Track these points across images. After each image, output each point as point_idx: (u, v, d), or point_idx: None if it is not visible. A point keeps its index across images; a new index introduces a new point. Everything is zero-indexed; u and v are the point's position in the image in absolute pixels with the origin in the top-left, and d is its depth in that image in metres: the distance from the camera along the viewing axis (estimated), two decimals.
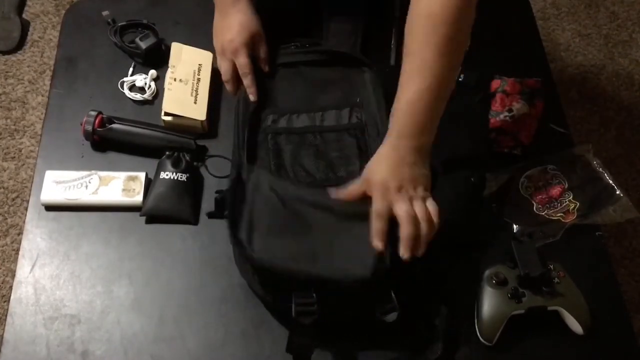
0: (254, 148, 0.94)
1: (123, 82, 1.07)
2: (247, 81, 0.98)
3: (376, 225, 0.80)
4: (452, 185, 0.95)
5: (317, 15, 1.11)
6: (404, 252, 0.78)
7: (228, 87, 1.00)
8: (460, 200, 0.97)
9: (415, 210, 0.79)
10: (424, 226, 0.79)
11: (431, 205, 0.81)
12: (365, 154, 0.94)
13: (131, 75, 1.08)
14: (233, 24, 0.98)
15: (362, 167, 0.88)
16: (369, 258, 0.80)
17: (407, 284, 0.82)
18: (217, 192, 0.89)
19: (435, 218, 0.80)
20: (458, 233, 0.90)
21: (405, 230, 0.78)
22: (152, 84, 1.07)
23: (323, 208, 0.84)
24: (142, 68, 1.09)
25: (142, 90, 1.06)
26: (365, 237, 0.81)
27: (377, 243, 0.79)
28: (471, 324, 0.85)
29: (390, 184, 0.80)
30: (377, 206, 0.80)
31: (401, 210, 0.79)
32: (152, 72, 1.07)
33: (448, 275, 0.89)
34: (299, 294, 0.79)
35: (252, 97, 0.97)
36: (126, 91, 1.06)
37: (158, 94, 1.06)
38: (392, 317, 0.79)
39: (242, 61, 0.97)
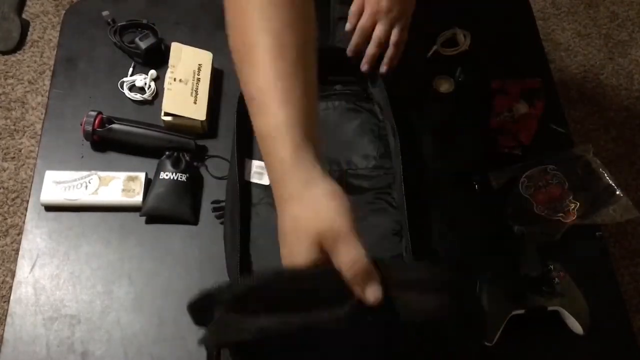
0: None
1: (123, 82, 1.07)
2: None
3: (355, 40, 0.97)
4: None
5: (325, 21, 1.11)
6: (364, 64, 0.97)
7: None
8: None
9: (392, 34, 0.95)
10: (391, 49, 0.96)
11: (405, 34, 0.97)
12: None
13: (131, 75, 1.08)
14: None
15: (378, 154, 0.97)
16: None
17: None
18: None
19: (402, 45, 0.97)
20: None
21: (369, 50, 0.96)
22: (152, 84, 1.06)
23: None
24: (142, 68, 1.09)
25: (142, 90, 1.06)
26: None
27: (350, 52, 0.97)
28: None
29: (383, 3, 0.93)
30: (363, 21, 0.95)
31: (378, 30, 0.95)
32: (152, 72, 1.07)
33: None
34: None
35: None
36: (126, 91, 1.06)
37: (158, 94, 1.06)
38: None
39: None
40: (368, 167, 0.98)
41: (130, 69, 1.09)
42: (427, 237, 0.93)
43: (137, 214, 0.94)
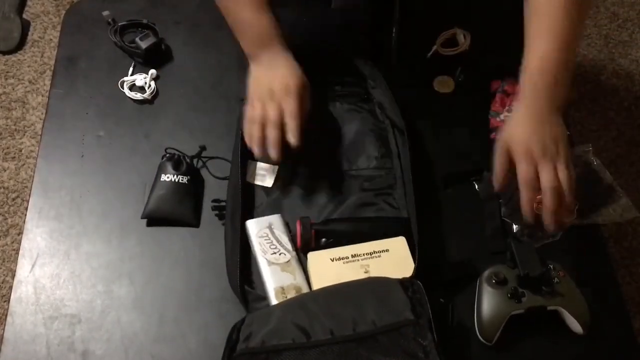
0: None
1: (123, 81, 1.07)
2: (293, 123, 0.89)
3: (526, 195, 0.81)
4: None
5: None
6: (549, 224, 0.80)
7: (272, 133, 0.88)
8: None
9: (559, 178, 0.80)
10: (568, 195, 0.80)
11: (572, 170, 0.81)
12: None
13: (131, 74, 1.08)
14: (284, 71, 0.93)
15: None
16: None
17: None
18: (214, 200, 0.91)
19: (573, 184, 0.80)
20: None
21: (547, 203, 0.79)
22: (152, 84, 1.07)
23: None
24: (142, 68, 1.09)
25: (142, 89, 1.06)
26: None
27: (527, 212, 0.81)
28: (471, 324, 0.85)
29: (533, 146, 0.80)
30: (523, 172, 0.80)
31: (546, 180, 0.79)
32: (152, 72, 1.07)
33: None
34: None
35: (293, 141, 0.89)
36: (126, 90, 1.06)
37: (158, 94, 1.06)
38: None
39: (294, 102, 0.90)
40: (369, 168, 0.98)
41: (131, 69, 1.09)
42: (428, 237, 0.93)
43: (138, 214, 0.94)
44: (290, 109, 0.89)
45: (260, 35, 0.95)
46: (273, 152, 0.89)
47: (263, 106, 0.90)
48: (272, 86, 0.91)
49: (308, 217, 0.90)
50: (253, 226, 0.90)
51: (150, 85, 1.06)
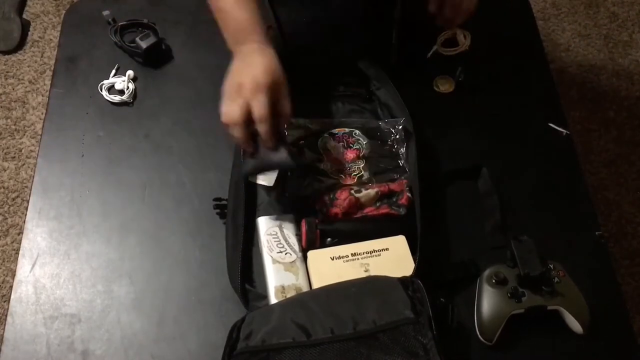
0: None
1: (102, 84, 1.06)
2: (264, 127, 0.83)
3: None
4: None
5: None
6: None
7: (237, 133, 0.84)
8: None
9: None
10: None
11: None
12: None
13: (113, 77, 1.07)
14: (257, 66, 0.85)
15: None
16: None
17: None
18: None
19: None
20: None
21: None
22: (131, 85, 1.05)
23: None
24: (123, 70, 1.08)
25: (121, 92, 1.05)
26: None
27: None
28: (471, 324, 0.85)
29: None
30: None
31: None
32: (130, 73, 1.06)
33: None
34: None
35: (265, 146, 0.87)
36: (104, 93, 1.05)
37: (137, 95, 1.06)
38: None
39: (263, 101, 0.83)
40: None
41: (113, 71, 1.08)
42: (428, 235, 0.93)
43: (138, 214, 0.94)
44: (257, 108, 0.83)
45: (239, 30, 0.92)
46: (248, 149, 0.88)
47: (231, 104, 0.85)
48: (241, 80, 0.85)
49: (313, 217, 0.90)
50: (263, 223, 0.90)
51: (128, 87, 1.05)
